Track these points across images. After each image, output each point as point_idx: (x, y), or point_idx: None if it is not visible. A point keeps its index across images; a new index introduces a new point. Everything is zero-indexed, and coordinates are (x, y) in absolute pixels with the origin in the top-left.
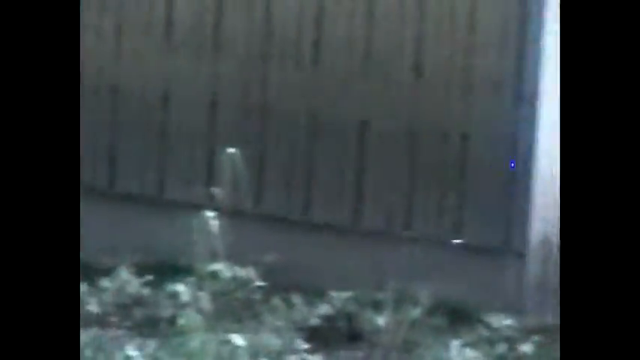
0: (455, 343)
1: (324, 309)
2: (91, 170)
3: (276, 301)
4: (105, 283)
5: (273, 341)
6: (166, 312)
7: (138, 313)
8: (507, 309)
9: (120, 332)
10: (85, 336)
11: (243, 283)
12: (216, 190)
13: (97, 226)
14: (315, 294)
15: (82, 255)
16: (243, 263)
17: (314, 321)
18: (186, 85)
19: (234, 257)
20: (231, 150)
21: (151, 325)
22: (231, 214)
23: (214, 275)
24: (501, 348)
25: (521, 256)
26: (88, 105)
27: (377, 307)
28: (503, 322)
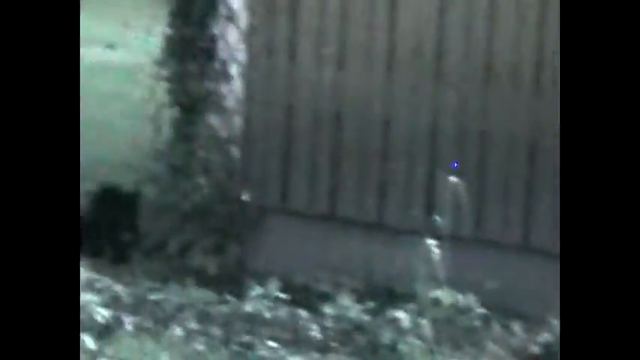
0: None
1: (545, 337)
2: (310, 195)
3: (496, 327)
4: (326, 308)
5: None
6: (387, 338)
7: (358, 339)
8: None
9: (341, 358)
10: None
11: (463, 310)
12: (436, 217)
13: (317, 252)
14: (535, 321)
15: (303, 280)
16: (463, 289)
17: (534, 348)
18: (406, 111)
19: (455, 283)
20: (451, 176)
21: (372, 351)
22: (451, 240)
23: (435, 302)
24: None
25: None
26: (311, 131)
27: None
28: None
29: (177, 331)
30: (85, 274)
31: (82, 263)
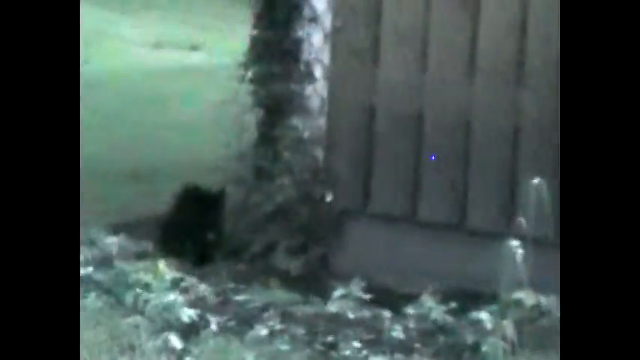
0: None
1: None
2: (391, 198)
3: None
4: (409, 309)
5: None
6: (469, 339)
7: (441, 339)
8: None
9: (424, 358)
10: None
11: (545, 311)
12: (520, 219)
13: (399, 253)
14: None
15: (385, 281)
16: (546, 291)
17: None
18: (487, 114)
19: (537, 285)
20: (535, 179)
21: (455, 353)
22: (532, 241)
23: (518, 303)
24: None
25: None
26: (393, 132)
27: None
28: None
29: (262, 331)
30: (170, 274)
31: (167, 263)
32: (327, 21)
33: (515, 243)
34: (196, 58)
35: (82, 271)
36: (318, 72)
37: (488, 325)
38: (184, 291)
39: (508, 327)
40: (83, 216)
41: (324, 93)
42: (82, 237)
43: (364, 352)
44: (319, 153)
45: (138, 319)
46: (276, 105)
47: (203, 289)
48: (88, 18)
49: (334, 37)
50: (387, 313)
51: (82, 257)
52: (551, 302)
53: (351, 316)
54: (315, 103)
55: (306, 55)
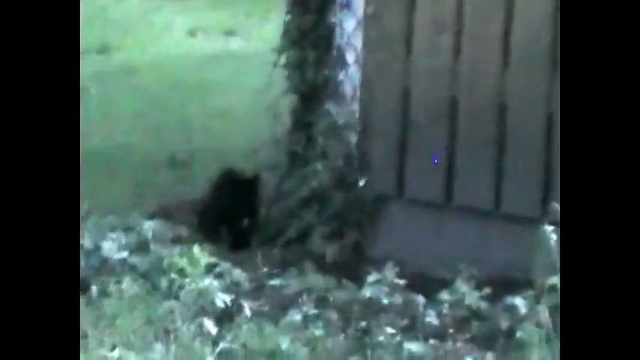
0: None
1: None
2: (426, 183)
3: None
4: (443, 295)
5: None
6: (504, 325)
7: (476, 325)
8: None
9: (459, 345)
10: (425, 348)
11: None
12: (555, 205)
13: (433, 239)
14: None
15: (419, 266)
16: None
17: None
18: (522, 99)
19: None
20: None
21: (489, 338)
22: None
23: (553, 289)
24: None
25: None
26: (427, 118)
27: None
28: None
29: (296, 316)
30: (205, 259)
31: (202, 248)
32: (360, 8)
33: (550, 228)
34: (233, 44)
35: (119, 256)
36: (350, 58)
37: (523, 311)
38: (219, 276)
39: (543, 313)
40: (122, 202)
41: (358, 78)
42: (120, 223)
43: (398, 337)
44: (353, 138)
45: (173, 303)
46: (310, 91)
47: (238, 274)
48: (130, 6)
49: (367, 23)
50: (421, 299)
51: (118, 242)
52: None
53: (385, 301)
54: (348, 88)
55: (339, 40)
